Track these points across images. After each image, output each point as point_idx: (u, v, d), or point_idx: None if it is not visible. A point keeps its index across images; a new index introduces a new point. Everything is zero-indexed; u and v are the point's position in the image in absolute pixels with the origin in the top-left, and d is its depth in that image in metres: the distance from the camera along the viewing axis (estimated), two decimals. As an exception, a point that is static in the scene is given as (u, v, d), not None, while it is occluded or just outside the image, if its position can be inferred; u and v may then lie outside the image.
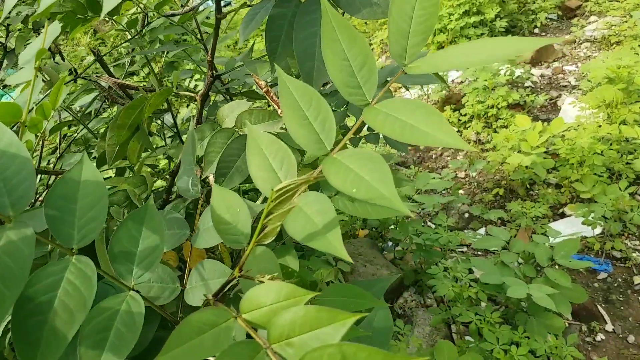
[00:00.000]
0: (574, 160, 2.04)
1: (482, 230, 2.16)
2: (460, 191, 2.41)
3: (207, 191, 0.76)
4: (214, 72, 0.84)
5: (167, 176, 1.04)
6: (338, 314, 0.34)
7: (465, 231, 2.12)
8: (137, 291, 0.47)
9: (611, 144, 2.08)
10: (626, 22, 3.27)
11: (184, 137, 1.16)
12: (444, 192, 2.42)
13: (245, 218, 0.53)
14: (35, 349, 0.38)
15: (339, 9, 0.61)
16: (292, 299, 0.39)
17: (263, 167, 0.48)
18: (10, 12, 0.99)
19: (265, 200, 0.76)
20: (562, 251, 1.51)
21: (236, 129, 0.80)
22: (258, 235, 0.44)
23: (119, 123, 0.95)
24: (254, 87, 1.17)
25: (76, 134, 1.20)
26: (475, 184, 2.45)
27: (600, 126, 2.16)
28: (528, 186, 2.29)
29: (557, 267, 1.71)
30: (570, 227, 2.05)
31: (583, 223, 1.93)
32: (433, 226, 2.12)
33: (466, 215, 2.26)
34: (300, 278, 0.59)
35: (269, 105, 1.22)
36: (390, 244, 2.01)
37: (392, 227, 1.98)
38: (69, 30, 1.07)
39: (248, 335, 0.38)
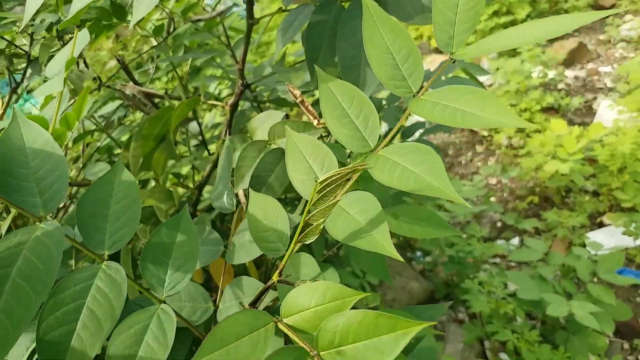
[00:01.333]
0: (614, 167, 1.95)
1: (515, 240, 2.08)
2: (492, 198, 2.32)
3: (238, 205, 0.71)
4: (244, 81, 0.79)
5: (192, 187, 0.99)
6: (399, 321, 0.30)
7: (498, 241, 2.04)
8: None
9: (654, 151, 1.98)
10: (665, 21, 3.13)
11: (210, 147, 1.12)
12: (474, 199, 2.34)
13: (284, 222, 0.50)
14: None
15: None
16: (339, 300, 0.35)
17: (303, 170, 0.45)
18: (34, 20, 0.96)
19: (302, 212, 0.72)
20: (606, 266, 1.43)
21: (269, 142, 0.75)
22: (300, 235, 0.40)
23: (144, 134, 0.91)
24: (280, 94, 1.12)
25: (100, 143, 1.17)
26: (508, 191, 2.36)
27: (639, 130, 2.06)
28: (564, 194, 2.19)
29: (595, 280, 1.62)
30: (609, 238, 1.96)
31: (623, 233, 1.83)
32: (464, 236, 2.05)
33: (499, 224, 2.18)
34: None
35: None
36: (419, 254, 1.93)
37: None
38: (94, 36, 1.03)
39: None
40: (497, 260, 2.00)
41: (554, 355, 1.31)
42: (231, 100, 0.81)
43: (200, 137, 1.10)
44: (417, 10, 0.50)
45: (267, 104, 1.08)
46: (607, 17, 3.59)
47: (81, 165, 1.09)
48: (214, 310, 0.58)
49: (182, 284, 0.45)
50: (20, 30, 0.77)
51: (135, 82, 1.01)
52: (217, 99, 1.22)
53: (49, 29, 0.95)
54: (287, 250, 0.43)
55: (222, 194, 0.65)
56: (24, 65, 1.04)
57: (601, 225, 2.07)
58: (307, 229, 0.40)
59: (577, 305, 1.33)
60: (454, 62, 0.41)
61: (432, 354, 0.64)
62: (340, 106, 0.44)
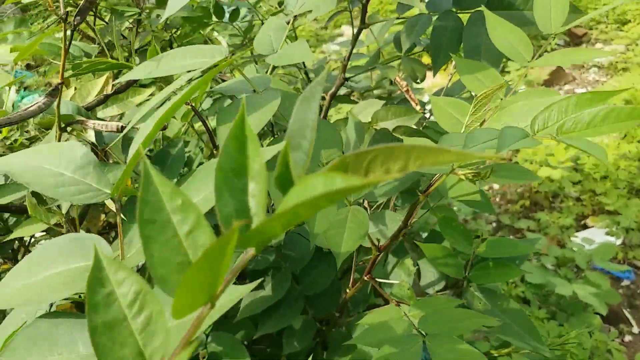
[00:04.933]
0: (598, 175, 2.19)
1: (511, 238, 2.29)
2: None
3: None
4: (344, 74, 0.96)
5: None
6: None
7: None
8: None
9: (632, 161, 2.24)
10: (632, 50, 3.48)
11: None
12: (470, 202, 2.55)
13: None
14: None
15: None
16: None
17: (451, 122, 0.61)
18: (149, 15, 1.10)
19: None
20: (600, 255, 1.65)
21: (372, 124, 0.91)
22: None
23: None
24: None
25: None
26: (499, 196, 2.59)
27: (619, 144, 2.32)
28: (551, 199, 2.43)
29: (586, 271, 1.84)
30: (594, 237, 2.20)
31: (607, 234, 2.07)
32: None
33: (494, 224, 2.40)
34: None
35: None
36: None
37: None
38: (191, 32, 1.18)
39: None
40: (496, 255, 2.20)
41: (561, 329, 1.51)
42: (332, 90, 0.98)
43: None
44: (522, 24, 0.68)
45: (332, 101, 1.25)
46: (581, 44, 3.93)
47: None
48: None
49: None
50: (159, 25, 0.91)
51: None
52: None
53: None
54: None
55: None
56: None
57: (585, 227, 2.31)
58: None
59: (578, 287, 1.54)
60: (554, 37, 0.61)
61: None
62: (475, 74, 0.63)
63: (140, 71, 0.51)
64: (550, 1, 0.61)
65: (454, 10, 0.77)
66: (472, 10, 0.74)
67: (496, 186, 2.63)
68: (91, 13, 1.08)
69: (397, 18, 0.85)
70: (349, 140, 0.83)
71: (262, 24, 0.92)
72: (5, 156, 0.43)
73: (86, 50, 1.16)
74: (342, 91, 1.28)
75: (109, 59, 0.60)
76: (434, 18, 0.78)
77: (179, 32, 1.14)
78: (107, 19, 1.14)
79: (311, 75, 1.24)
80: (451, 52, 0.76)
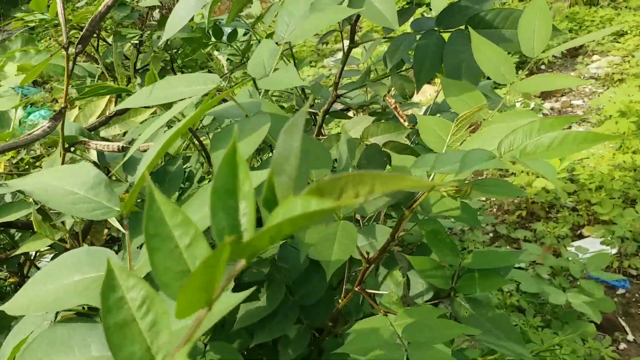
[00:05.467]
0: (593, 185, 2.22)
1: (507, 248, 2.32)
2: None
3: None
4: (336, 92, 1.00)
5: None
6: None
7: (493, 248, 2.27)
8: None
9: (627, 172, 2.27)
10: (628, 61, 3.52)
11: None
12: (468, 212, 2.58)
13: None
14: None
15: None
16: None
17: (436, 138, 0.65)
18: (150, 36, 1.15)
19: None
20: (595, 264, 1.68)
21: (362, 140, 0.95)
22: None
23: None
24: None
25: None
26: (496, 207, 2.62)
27: (614, 155, 2.36)
28: (547, 209, 2.46)
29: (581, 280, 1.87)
30: (590, 247, 2.23)
31: (602, 243, 2.10)
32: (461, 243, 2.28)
33: (491, 234, 2.43)
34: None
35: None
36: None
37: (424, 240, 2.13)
38: (191, 52, 1.23)
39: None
40: (493, 265, 2.23)
41: (555, 337, 1.54)
42: (324, 107, 1.02)
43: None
44: (500, 40, 0.72)
45: (327, 115, 1.29)
46: (578, 56, 3.98)
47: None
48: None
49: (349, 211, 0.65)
50: (160, 45, 0.95)
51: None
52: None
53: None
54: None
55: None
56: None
57: (581, 236, 2.34)
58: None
59: (572, 296, 1.56)
60: (539, 60, 0.65)
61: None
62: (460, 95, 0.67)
63: (136, 100, 0.55)
64: (534, 25, 0.65)
65: (437, 29, 0.81)
66: (453, 30, 0.78)
67: (492, 198, 2.66)
68: (95, 36, 1.12)
69: (384, 38, 0.89)
70: (341, 156, 0.87)
71: (259, 42, 0.96)
72: (24, 177, 0.47)
73: (90, 71, 1.20)
74: (340, 106, 1.32)
75: (110, 84, 0.64)
76: (418, 37, 0.82)
77: (179, 52, 1.19)
78: (110, 39, 1.18)
79: (307, 91, 1.28)
80: (433, 70, 0.80)
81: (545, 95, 3.41)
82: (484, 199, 2.72)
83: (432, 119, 0.68)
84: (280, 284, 0.73)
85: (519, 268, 2.18)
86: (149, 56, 1.14)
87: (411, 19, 0.87)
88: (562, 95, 3.49)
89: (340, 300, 0.74)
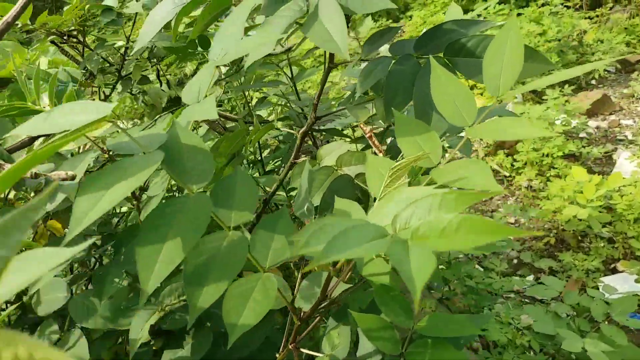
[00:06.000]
0: (632, 216, 2.04)
1: (530, 278, 2.16)
2: (510, 236, 2.41)
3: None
4: (316, 114, 0.91)
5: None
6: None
7: (514, 277, 2.12)
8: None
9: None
10: (687, 80, 3.25)
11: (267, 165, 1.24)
12: (493, 235, 2.43)
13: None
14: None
15: (457, 72, 0.68)
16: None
17: (378, 178, 0.56)
18: (133, 44, 1.10)
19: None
20: (620, 308, 1.51)
21: (336, 168, 0.86)
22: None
23: (220, 151, 1.03)
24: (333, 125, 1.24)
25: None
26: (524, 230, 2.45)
27: (658, 184, 2.15)
28: (580, 238, 2.28)
29: (607, 322, 1.70)
30: (622, 284, 2.04)
31: (637, 281, 1.91)
32: (481, 269, 2.14)
33: (515, 261, 2.27)
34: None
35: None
36: (435, 284, 2.03)
37: (441, 266, 2.00)
38: (179, 61, 1.17)
39: None
40: (511, 295, 2.08)
41: (566, 387, 1.39)
42: (303, 129, 0.93)
43: (259, 157, 1.23)
44: (480, 71, 0.62)
45: (323, 133, 1.21)
46: (633, 72, 3.71)
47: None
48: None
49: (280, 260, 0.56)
50: (132, 54, 0.90)
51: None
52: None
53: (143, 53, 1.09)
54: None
55: (302, 206, 0.76)
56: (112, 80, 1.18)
57: (615, 271, 2.15)
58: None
59: (590, 343, 1.41)
60: (500, 102, 0.54)
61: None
62: (414, 139, 0.57)
63: (28, 128, 0.49)
64: (503, 57, 0.55)
65: (414, 55, 0.72)
66: (431, 56, 0.68)
67: (523, 220, 2.50)
68: (75, 41, 1.08)
69: (360, 59, 0.80)
70: (300, 188, 0.79)
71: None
72: None
73: (74, 75, 1.16)
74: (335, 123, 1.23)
75: (23, 103, 0.58)
76: (393, 62, 0.73)
77: (164, 61, 1.13)
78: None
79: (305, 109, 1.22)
80: (407, 100, 0.70)
81: (591, 112, 3.19)
82: (512, 220, 2.55)
83: (381, 159, 0.59)
84: (209, 332, 0.65)
85: (540, 301, 2.03)
86: (131, 63, 1.09)
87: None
88: (610, 114, 3.25)
89: (277, 355, 0.66)
